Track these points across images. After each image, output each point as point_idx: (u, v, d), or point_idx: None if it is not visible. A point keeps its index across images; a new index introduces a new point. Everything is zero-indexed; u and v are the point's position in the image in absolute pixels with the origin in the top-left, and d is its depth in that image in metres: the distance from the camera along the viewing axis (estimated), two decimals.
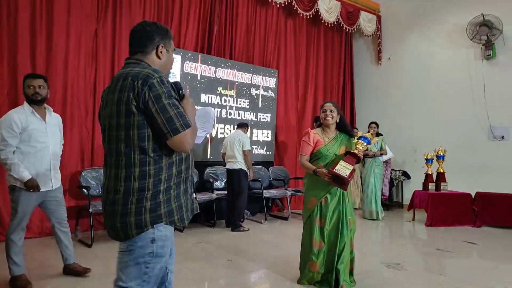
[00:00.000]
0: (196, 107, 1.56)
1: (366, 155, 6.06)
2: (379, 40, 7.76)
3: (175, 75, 5.48)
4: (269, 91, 6.67)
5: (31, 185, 2.63)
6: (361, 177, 6.44)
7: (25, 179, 2.62)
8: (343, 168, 2.70)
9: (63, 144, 3.06)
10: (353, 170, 2.74)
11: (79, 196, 4.51)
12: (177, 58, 5.50)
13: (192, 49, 5.76)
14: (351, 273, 2.90)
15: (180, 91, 1.47)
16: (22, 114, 2.66)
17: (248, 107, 6.38)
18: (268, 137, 6.67)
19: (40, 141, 2.70)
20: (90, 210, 4.01)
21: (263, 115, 6.60)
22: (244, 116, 6.31)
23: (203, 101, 5.79)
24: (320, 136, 2.93)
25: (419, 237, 4.90)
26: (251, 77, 6.40)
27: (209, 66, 5.85)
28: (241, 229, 4.96)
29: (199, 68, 5.75)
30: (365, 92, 8.12)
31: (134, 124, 1.34)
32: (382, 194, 6.76)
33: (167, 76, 1.51)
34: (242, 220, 5.31)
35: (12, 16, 4.22)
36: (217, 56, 6.04)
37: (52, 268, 3.17)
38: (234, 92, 6.21)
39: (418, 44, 7.20)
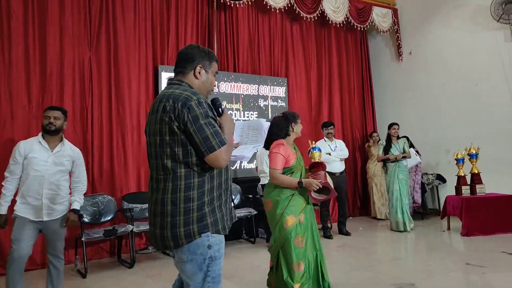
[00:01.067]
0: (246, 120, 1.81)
1: (387, 159, 5.53)
2: (397, 34, 7.24)
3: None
4: (279, 100, 6.41)
5: None
6: (386, 185, 5.86)
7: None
8: (330, 182, 2.72)
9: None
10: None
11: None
12: None
13: None
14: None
15: (220, 108, 1.65)
16: (29, 142, 2.81)
17: (257, 119, 6.15)
18: None
19: (35, 169, 2.73)
20: (83, 239, 3.94)
21: None
22: None
23: None
24: (290, 148, 2.76)
25: (450, 250, 4.30)
26: (258, 88, 6.18)
27: None
28: None
29: None
30: (387, 91, 7.57)
31: (178, 142, 1.50)
32: (414, 202, 6.17)
33: (207, 95, 1.68)
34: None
35: (6, 48, 4.33)
36: (220, 70, 5.91)
37: None
38: (240, 105, 6.02)
39: (440, 33, 6.60)
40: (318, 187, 2.58)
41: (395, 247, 4.68)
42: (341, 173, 5.40)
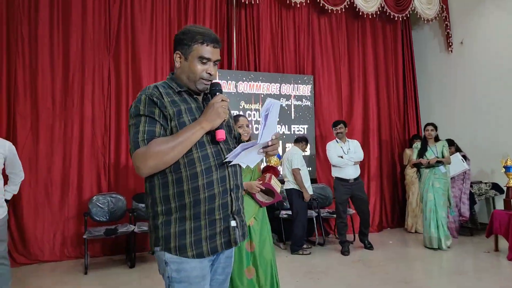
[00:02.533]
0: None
1: (419, 164, 4.79)
2: (446, 22, 6.34)
3: None
4: (304, 99, 6.00)
5: None
6: (420, 194, 5.10)
7: None
8: (275, 185, 2.61)
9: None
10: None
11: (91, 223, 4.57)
12: None
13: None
14: None
15: (216, 93, 1.40)
16: None
17: (278, 119, 5.80)
18: (306, 151, 5.93)
19: None
20: (85, 236, 4.03)
21: (297, 127, 5.93)
22: None
23: None
24: None
25: (483, 277, 3.52)
26: (280, 87, 5.86)
27: (228, 82, 5.56)
28: (300, 252, 4.61)
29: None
30: (433, 87, 6.69)
31: None
32: (461, 215, 5.31)
33: (195, 85, 1.40)
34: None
35: (34, 52, 4.59)
36: (241, 70, 5.71)
37: None
38: (260, 105, 5.74)
39: (495, 18, 5.61)
40: (258, 190, 2.56)
41: (416, 267, 4.01)
42: (356, 179, 4.72)
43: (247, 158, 1.43)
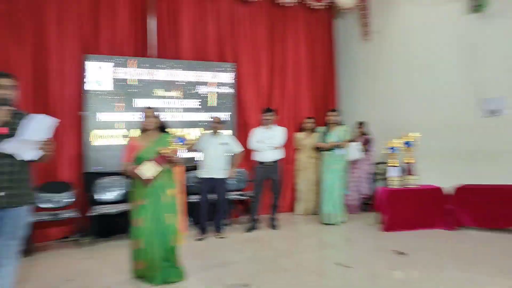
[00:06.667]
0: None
1: (321, 148, 5.29)
2: (364, 11, 6.77)
3: (103, 83, 5.56)
4: (225, 87, 6.35)
5: None
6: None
7: None
8: (145, 169, 2.98)
9: None
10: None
11: None
12: (109, 66, 5.60)
13: (131, 54, 5.79)
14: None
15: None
16: None
17: (199, 107, 6.17)
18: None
19: None
20: None
21: (219, 114, 6.29)
22: (194, 117, 6.12)
23: (137, 106, 5.75)
24: (139, 141, 3.27)
25: (344, 246, 4.07)
26: (200, 74, 6.18)
27: (146, 70, 5.82)
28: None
29: (134, 73, 5.75)
30: (352, 74, 7.16)
31: None
32: (361, 193, 5.88)
33: None
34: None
35: None
36: (160, 58, 5.97)
37: None
38: (181, 93, 6.06)
39: (407, 8, 6.07)
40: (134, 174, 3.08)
41: (302, 241, 4.53)
42: (274, 162, 5.20)
43: (24, 153, 2.16)
